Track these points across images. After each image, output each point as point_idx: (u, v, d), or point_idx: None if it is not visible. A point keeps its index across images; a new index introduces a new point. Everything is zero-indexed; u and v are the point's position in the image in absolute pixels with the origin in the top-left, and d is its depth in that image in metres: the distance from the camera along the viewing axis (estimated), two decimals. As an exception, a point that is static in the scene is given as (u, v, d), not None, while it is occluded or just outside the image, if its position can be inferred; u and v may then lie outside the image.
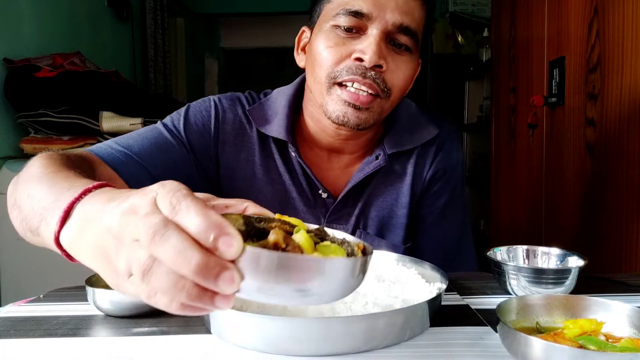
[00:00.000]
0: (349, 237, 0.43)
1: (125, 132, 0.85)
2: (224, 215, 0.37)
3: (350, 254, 0.40)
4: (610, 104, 1.39)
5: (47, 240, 0.44)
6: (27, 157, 1.82)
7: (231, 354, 0.52)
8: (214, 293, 0.33)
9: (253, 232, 0.38)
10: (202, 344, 0.54)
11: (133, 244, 0.34)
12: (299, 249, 0.36)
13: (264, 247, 0.35)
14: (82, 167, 0.67)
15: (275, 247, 0.35)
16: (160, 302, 0.34)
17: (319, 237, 0.42)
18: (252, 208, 0.45)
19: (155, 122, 0.88)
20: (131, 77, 2.96)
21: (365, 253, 0.41)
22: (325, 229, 0.44)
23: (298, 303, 0.36)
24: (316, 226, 0.43)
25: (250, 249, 0.32)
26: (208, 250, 0.32)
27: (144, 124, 1.83)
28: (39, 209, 0.47)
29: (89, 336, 0.57)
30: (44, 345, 0.54)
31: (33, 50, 1.96)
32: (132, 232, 0.34)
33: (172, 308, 0.34)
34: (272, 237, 0.36)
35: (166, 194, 0.35)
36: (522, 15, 2.00)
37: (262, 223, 0.39)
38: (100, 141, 1.84)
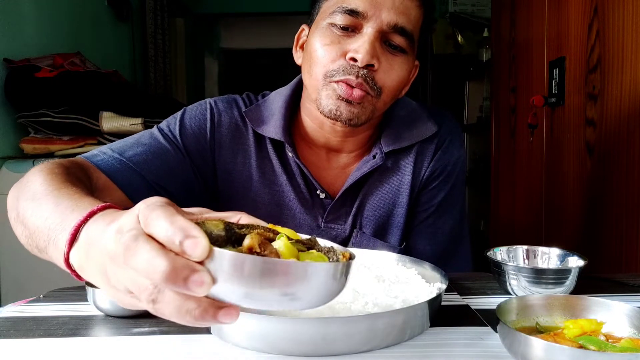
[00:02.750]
0: (337, 247, 0.43)
1: (125, 132, 0.85)
2: (205, 221, 0.38)
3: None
4: (610, 104, 1.39)
5: (57, 261, 0.46)
6: (27, 157, 1.83)
7: (231, 354, 0.52)
8: (217, 310, 0.35)
9: (234, 238, 0.38)
10: (202, 344, 0.54)
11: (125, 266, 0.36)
12: (275, 255, 0.36)
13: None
14: (81, 178, 0.68)
15: (250, 251, 0.35)
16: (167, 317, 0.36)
17: (307, 246, 0.42)
18: (245, 219, 0.45)
19: (156, 122, 0.88)
20: (131, 78, 2.96)
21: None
22: (317, 239, 0.44)
23: (276, 308, 0.36)
24: (308, 237, 0.44)
25: (217, 250, 0.33)
26: (179, 255, 0.33)
27: (144, 124, 1.83)
28: (44, 229, 0.49)
29: (89, 336, 0.57)
30: (44, 345, 0.54)
31: (33, 50, 1.96)
32: (117, 251, 0.36)
33: (180, 322, 0.36)
34: (247, 241, 0.36)
35: (144, 209, 0.36)
36: (522, 16, 2.00)
37: (244, 229, 0.39)
38: (100, 141, 1.85)
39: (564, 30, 1.64)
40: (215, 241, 0.37)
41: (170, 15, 3.43)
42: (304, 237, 0.43)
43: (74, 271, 0.44)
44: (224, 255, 0.33)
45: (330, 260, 0.40)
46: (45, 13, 2.08)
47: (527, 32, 1.95)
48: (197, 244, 0.33)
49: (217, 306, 0.35)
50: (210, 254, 0.33)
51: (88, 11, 2.47)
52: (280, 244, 0.38)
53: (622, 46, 1.33)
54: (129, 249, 0.34)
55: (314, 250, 0.41)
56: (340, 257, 0.41)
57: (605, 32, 1.41)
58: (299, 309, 0.37)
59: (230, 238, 0.38)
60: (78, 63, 2.03)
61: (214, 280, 0.33)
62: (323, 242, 0.44)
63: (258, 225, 0.41)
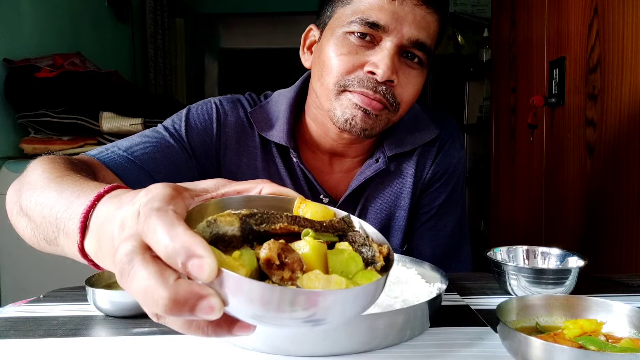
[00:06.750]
0: (375, 235, 0.39)
1: (125, 132, 0.84)
2: (217, 217, 0.33)
3: (370, 262, 0.36)
4: (610, 104, 1.39)
5: (69, 250, 0.43)
6: (27, 157, 1.83)
7: (231, 354, 0.52)
8: (231, 324, 0.32)
9: (252, 237, 0.34)
10: (202, 344, 0.54)
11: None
12: (298, 264, 0.32)
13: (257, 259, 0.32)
14: (84, 168, 0.65)
15: (269, 263, 0.32)
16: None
17: (340, 231, 0.37)
18: (268, 188, 0.41)
19: (156, 122, 0.88)
20: (131, 78, 2.96)
21: (389, 260, 0.36)
22: (352, 218, 0.39)
23: (298, 329, 0.33)
24: (344, 213, 0.39)
25: (226, 273, 0.29)
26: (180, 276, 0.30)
27: (144, 124, 1.83)
28: (52, 219, 0.45)
29: (89, 336, 0.57)
30: (44, 345, 0.54)
31: (33, 51, 1.96)
32: (115, 269, 0.33)
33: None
34: (264, 252, 0.31)
35: (143, 206, 0.33)
36: (522, 16, 2.00)
37: (264, 225, 0.34)
38: (100, 141, 1.85)
39: (564, 30, 1.64)
40: (230, 243, 0.33)
41: (170, 15, 3.43)
42: (340, 212, 0.40)
43: (90, 260, 0.41)
44: (235, 280, 0.29)
45: (364, 256, 0.36)
46: (45, 13, 2.08)
47: (527, 32, 1.95)
48: (202, 266, 0.28)
49: (231, 320, 0.32)
50: (219, 275, 0.29)
51: (88, 11, 2.47)
52: (305, 246, 0.33)
53: (622, 46, 1.33)
54: (123, 273, 0.30)
55: (345, 249, 0.36)
56: (377, 254, 0.36)
57: (605, 32, 1.41)
58: (322, 329, 0.34)
59: (248, 237, 0.34)
60: (78, 63, 2.02)
61: (225, 303, 0.29)
62: (358, 224, 0.40)
63: (280, 216, 0.35)
